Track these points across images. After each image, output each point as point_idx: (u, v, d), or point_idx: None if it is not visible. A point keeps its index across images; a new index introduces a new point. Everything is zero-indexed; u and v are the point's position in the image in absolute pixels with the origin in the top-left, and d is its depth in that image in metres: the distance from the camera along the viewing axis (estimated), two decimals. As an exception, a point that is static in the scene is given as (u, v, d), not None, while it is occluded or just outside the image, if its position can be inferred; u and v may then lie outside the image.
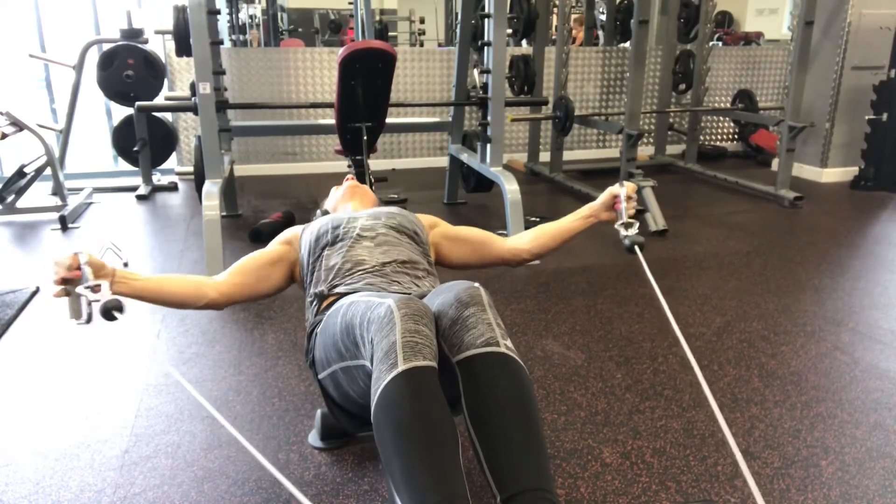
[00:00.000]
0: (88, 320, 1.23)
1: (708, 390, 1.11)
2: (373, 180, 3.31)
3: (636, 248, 1.62)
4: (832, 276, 3.00)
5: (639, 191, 3.87)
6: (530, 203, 3.93)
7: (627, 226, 1.64)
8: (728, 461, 1.65)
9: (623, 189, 1.67)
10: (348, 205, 1.89)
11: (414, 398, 1.14)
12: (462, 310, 1.29)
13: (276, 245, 1.74)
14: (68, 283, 1.28)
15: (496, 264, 1.86)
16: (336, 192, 1.98)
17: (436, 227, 1.83)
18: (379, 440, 1.16)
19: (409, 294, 1.46)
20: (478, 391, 1.22)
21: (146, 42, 4.71)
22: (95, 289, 1.21)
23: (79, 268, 1.28)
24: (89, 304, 1.21)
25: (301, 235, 1.73)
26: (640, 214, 3.80)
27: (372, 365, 1.21)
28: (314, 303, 1.59)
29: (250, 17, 7.89)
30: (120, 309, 1.20)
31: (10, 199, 3.99)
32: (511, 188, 3.33)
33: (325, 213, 1.94)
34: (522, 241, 1.82)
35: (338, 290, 1.54)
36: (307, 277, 1.66)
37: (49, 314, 2.57)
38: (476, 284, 1.35)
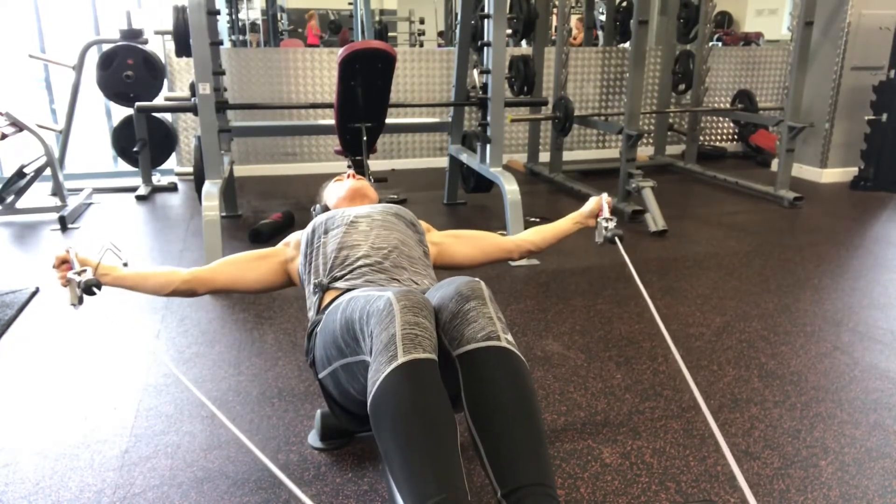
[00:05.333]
0: (80, 301, 1.49)
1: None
2: (372, 180, 3.31)
3: (616, 239, 1.81)
4: (832, 276, 3.00)
5: (639, 191, 3.91)
6: (530, 203, 3.93)
7: (608, 220, 1.86)
8: (728, 461, 1.64)
9: (605, 195, 1.95)
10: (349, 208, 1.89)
11: (413, 390, 1.13)
12: (462, 303, 1.29)
13: (274, 246, 1.79)
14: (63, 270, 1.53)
15: (499, 257, 1.94)
16: (337, 189, 1.95)
17: (431, 231, 1.88)
18: (377, 431, 1.15)
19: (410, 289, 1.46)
20: (478, 385, 1.22)
21: (146, 42, 4.71)
22: (81, 273, 1.49)
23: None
24: (77, 285, 1.47)
25: (301, 238, 1.75)
26: (639, 214, 3.86)
27: (371, 358, 1.21)
28: (315, 297, 1.59)
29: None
30: (98, 286, 1.47)
31: (9, 199, 3.99)
32: (511, 188, 3.33)
33: (325, 208, 1.93)
34: (525, 234, 1.98)
35: (338, 284, 1.55)
36: (306, 268, 1.67)
37: (49, 314, 2.58)
38: (477, 279, 1.35)
